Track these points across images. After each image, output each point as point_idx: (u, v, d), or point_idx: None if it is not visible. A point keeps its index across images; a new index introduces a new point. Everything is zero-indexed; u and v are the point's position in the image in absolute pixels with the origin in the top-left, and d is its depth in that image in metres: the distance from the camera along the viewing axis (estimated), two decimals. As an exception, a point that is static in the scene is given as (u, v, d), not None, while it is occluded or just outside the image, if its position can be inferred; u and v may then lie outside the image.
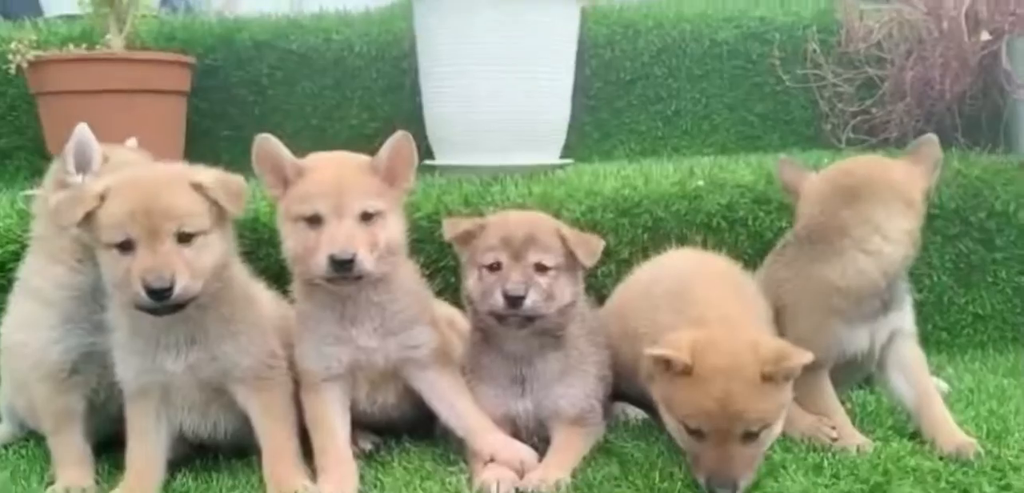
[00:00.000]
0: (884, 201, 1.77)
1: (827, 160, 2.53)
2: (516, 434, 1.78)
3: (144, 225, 1.50)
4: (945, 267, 2.46)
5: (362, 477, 1.67)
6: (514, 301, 1.62)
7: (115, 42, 2.39)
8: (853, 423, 1.84)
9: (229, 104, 3.03)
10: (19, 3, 3.73)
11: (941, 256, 2.47)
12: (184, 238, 1.54)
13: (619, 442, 1.85)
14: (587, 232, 2.21)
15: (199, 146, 2.93)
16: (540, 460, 1.68)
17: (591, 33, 3.08)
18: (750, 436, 1.52)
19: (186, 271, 1.51)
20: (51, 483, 1.71)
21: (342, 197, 1.62)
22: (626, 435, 1.89)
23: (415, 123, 2.62)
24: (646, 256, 2.28)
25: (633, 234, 2.30)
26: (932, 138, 1.83)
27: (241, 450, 1.76)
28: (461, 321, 2.00)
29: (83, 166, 1.74)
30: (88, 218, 1.53)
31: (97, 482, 1.72)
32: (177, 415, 1.70)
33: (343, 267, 1.58)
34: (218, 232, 1.61)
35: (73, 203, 1.53)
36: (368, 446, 1.86)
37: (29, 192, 2.39)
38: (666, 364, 1.54)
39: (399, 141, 1.73)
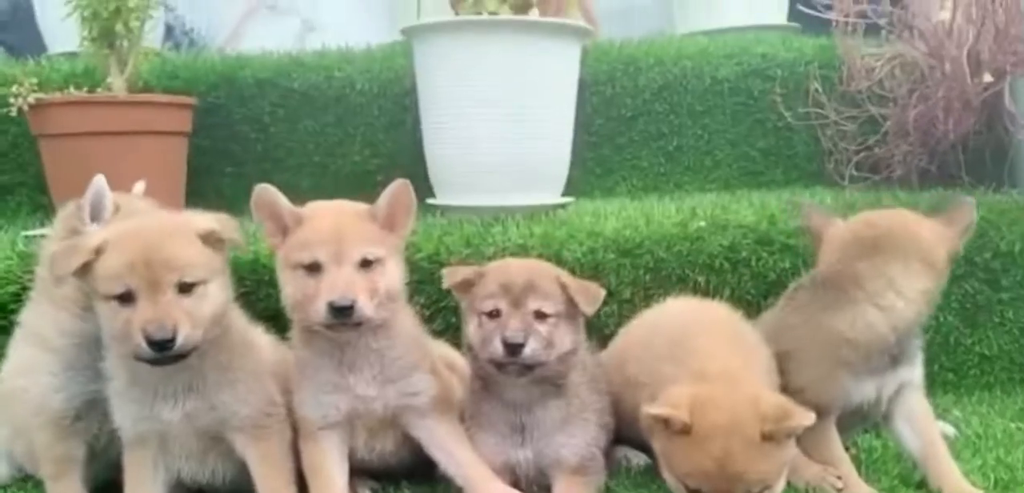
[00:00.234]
0: (903, 257, 1.73)
1: (830, 198, 2.54)
2: (516, 483, 1.76)
3: (144, 276, 1.49)
4: (951, 308, 2.43)
5: (360, 524, 1.64)
6: (513, 349, 1.61)
7: (116, 83, 2.39)
8: (858, 470, 1.82)
9: (231, 141, 3.04)
10: (23, 40, 3.75)
11: (947, 297, 2.42)
12: (185, 288, 1.53)
13: (620, 490, 1.83)
14: (589, 273, 2.23)
15: (201, 184, 2.94)
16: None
17: (592, 70, 3.08)
18: None
19: (187, 321, 1.51)
20: None
21: (341, 244, 1.61)
22: (627, 483, 1.87)
23: (417, 160, 2.64)
24: (648, 297, 2.27)
25: (635, 275, 2.28)
26: (968, 202, 1.78)
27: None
28: (461, 363, 1.98)
29: (97, 216, 1.75)
30: (85, 269, 1.52)
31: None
32: (175, 462, 1.69)
33: (342, 314, 1.57)
34: (217, 280, 1.61)
35: (70, 254, 1.52)
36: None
37: (33, 232, 2.40)
38: (665, 421, 1.52)
39: (398, 189, 1.73)
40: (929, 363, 2.10)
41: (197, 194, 2.87)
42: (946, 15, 2.53)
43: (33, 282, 1.92)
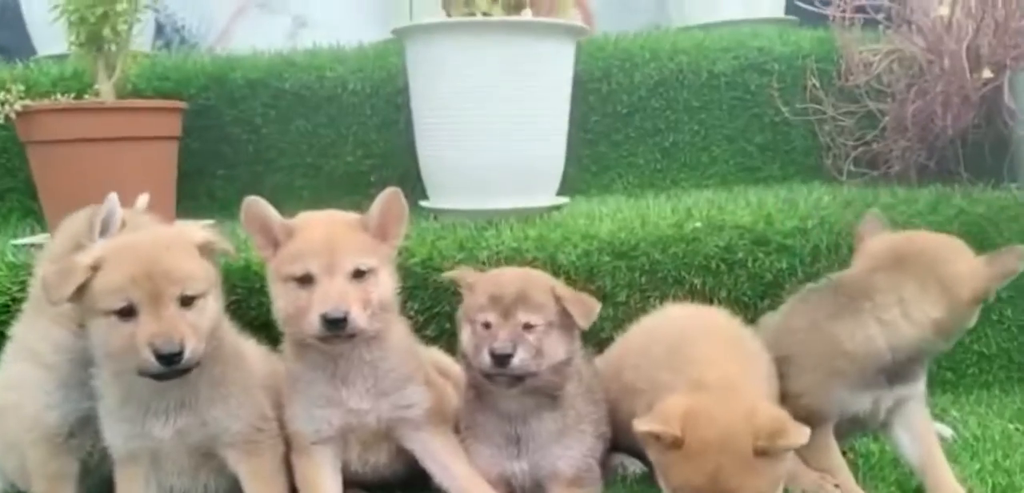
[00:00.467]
0: (922, 279, 1.69)
1: (828, 196, 2.51)
2: (511, 493, 1.76)
3: (147, 290, 1.48)
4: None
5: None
6: (501, 359, 1.60)
7: (104, 88, 2.36)
8: (856, 476, 1.81)
9: (223, 143, 3.01)
10: (12, 40, 3.72)
11: (945, 295, 2.42)
12: (186, 302, 1.53)
13: (617, 499, 1.82)
14: (584, 276, 2.21)
15: (193, 186, 2.91)
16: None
17: (587, 66, 3.05)
18: None
19: (193, 335, 1.51)
20: None
21: (333, 255, 1.60)
22: (623, 491, 1.86)
23: (411, 160, 2.61)
24: (644, 299, 2.26)
25: (630, 278, 2.26)
26: (1018, 250, 1.69)
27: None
28: (456, 370, 1.97)
29: (106, 233, 1.73)
30: (80, 289, 1.50)
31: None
32: (167, 479, 1.68)
33: (336, 326, 1.56)
34: (213, 292, 1.60)
35: (65, 277, 1.50)
36: (360, 507, 1.84)
37: (24, 241, 2.37)
38: (656, 436, 1.50)
39: (389, 197, 1.71)
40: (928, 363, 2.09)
41: (189, 197, 2.84)
42: (945, 10, 2.49)
43: (26, 294, 1.92)
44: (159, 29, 4.15)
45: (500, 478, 1.74)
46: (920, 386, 1.81)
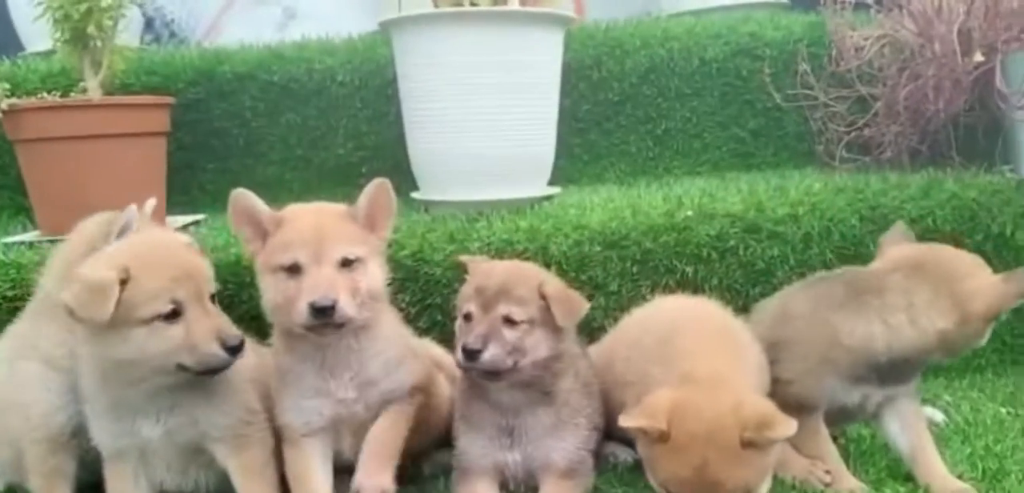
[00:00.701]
0: (935, 288, 1.69)
1: (819, 183, 2.50)
2: (504, 484, 1.76)
3: (191, 290, 1.52)
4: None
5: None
6: (470, 354, 1.60)
7: (91, 85, 2.34)
8: (846, 461, 1.82)
9: (212, 137, 2.99)
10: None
11: (937, 279, 2.42)
12: (213, 298, 1.59)
13: (608, 488, 1.83)
14: (575, 266, 2.21)
15: (184, 180, 2.91)
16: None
17: (577, 54, 3.03)
18: None
19: (229, 326, 1.57)
20: None
21: (321, 245, 1.60)
22: (615, 480, 1.87)
23: (403, 152, 2.61)
24: (635, 289, 2.26)
25: (622, 267, 2.26)
26: None
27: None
28: (449, 361, 1.97)
29: (122, 237, 1.74)
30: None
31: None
32: (156, 474, 1.68)
33: (324, 314, 1.56)
34: None
35: (95, 295, 1.46)
36: (350, 498, 1.83)
37: (15, 240, 2.36)
38: (643, 430, 1.50)
39: (376, 188, 1.71)
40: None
41: (180, 191, 2.84)
42: (936, -7, 2.48)
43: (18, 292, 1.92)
44: (148, 24, 4.12)
45: (493, 467, 1.74)
46: (911, 387, 1.81)
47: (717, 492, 1.45)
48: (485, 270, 1.74)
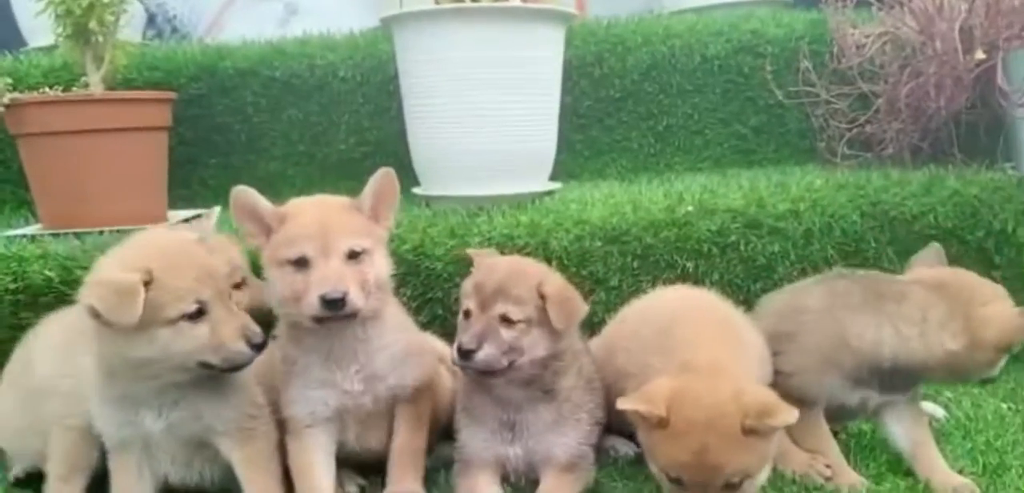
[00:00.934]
0: (951, 309, 1.70)
1: (820, 180, 2.50)
2: (505, 477, 1.77)
3: (214, 288, 1.53)
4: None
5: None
6: (465, 354, 1.61)
7: (93, 80, 2.35)
8: (847, 456, 1.82)
9: (214, 133, 3.00)
10: (2, 36, 3.69)
11: (938, 275, 2.42)
12: (237, 287, 1.63)
13: (609, 482, 1.83)
14: (576, 261, 2.21)
15: (186, 176, 2.92)
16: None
17: (579, 51, 3.04)
18: (731, 487, 1.47)
19: (251, 321, 1.59)
20: None
21: (327, 237, 1.61)
22: (615, 474, 1.87)
23: (405, 147, 2.61)
24: (636, 284, 2.26)
25: (622, 262, 2.26)
26: None
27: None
28: (449, 355, 1.96)
29: None
30: None
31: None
32: (161, 467, 1.68)
33: (335, 306, 1.57)
34: None
35: (122, 297, 1.45)
36: (353, 489, 1.84)
37: (16, 233, 2.36)
38: (642, 416, 1.50)
39: (382, 178, 1.72)
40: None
41: (182, 186, 2.85)
42: (937, -10, 2.48)
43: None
44: (150, 19, 4.13)
45: (495, 460, 1.75)
46: (909, 396, 1.80)
47: (716, 477, 1.45)
48: (486, 267, 1.74)
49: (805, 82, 3.02)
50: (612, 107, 3.14)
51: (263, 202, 1.67)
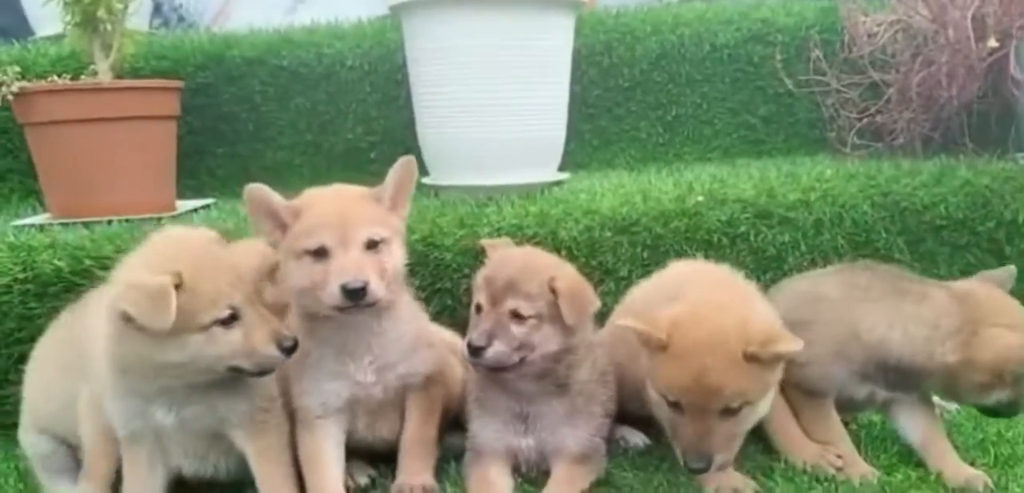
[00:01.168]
0: (962, 322, 1.66)
1: (830, 169, 2.49)
2: (517, 468, 1.76)
3: (246, 292, 1.52)
4: (953, 277, 2.38)
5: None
6: (475, 351, 1.60)
7: (101, 68, 2.34)
8: (858, 447, 1.80)
9: (222, 122, 2.99)
10: (10, 24, 3.69)
11: (949, 266, 2.41)
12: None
13: (619, 473, 1.81)
14: (586, 251, 2.20)
15: (194, 165, 2.91)
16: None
17: (588, 41, 3.02)
18: (729, 412, 1.48)
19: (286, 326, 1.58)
20: None
21: (346, 227, 1.60)
22: (626, 464, 1.86)
23: (411, 136, 2.61)
24: (646, 274, 2.24)
25: (632, 252, 2.25)
26: None
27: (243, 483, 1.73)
28: (460, 344, 1.96)
29: None
30: None
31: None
32: (174, 459, 1.67)
33: (356, 295, 1.56)
34: None
35: (156, 302, 1.42)
36: (364, 480, 1.83)
37: (25, 222, 2.37)
38: (645, 338, 1.50)
39: (403, 168, 1.73)
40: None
41: (190, 175, 2.84)
42: (950, -22, 2.46)
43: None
44: (157, 8, 4.12)
45: (506, 451, 1.74)
46: (916, 395, 1.78)
47: (715, 401, 1.45)
48: (498, 260, 1.73)
49: (815, 71, 3.01)
50: (621, 96, 3.13)
51: (277, 198, 1.65)
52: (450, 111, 2.34)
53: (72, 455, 1.85)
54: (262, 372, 1.57)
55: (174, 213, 2.44)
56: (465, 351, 1.63)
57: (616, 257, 2.24)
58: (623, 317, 1.86)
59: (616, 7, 3.24)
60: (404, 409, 1.78)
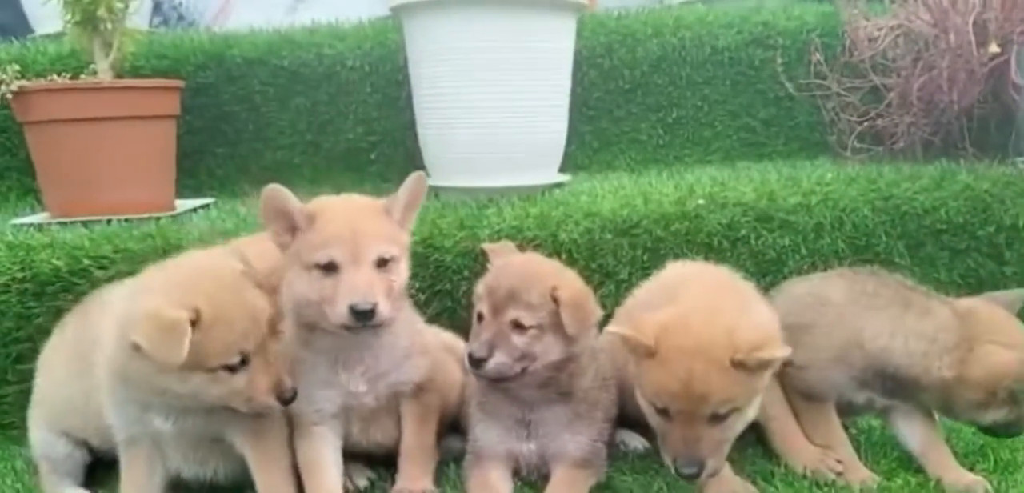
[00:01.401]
0: (960, 339, 1.66)
1: (831, 173, 2.49)
2: (517, 471, 1.76)
3: (257, 338, 1.51)
4: (953, 282, 2.40)
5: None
6: (476, 362, 1.58)
7: (101, 67, 2.34)
8: (858, 452, 1.81)
9: (222, 122, 2.99)
10: (10, 22, 3.68)
11: (949, 271, 2.41)
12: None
13: (619, 477, 1.81)
14: (586, 253, 2.20)
15: (194, 165, 2.91)
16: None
17: (589, 42, 3.02)
18: (717, 418, 1.47)
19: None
20: None
21: (358, 243, 1.58)
22: (625, 468, 1.86)
23: (412, 137, 2.61)
24: (646, 277, 2.23)
25: (632, 255, 2.25)
26: None
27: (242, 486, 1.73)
28: (460, 347, 1.96)
29: None
30: None
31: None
32: (173, 463, 1.67)
33: (364, 317, 1.54)
34: None
35: (168, 336, 1.40)
36: (362, 482, 1.83)
37: (23, 221, 2.36)
38: (631, 344, 1.50)
39: (416, 182, 1.70)
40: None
41: (190, 175, 2.84)
42: (951, -18, 2.46)
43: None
44: (157, 7, 4.11)
45: (508, 455, 1.74)
46: (913, 404, 1.78)
47: (702, 407, 1.44)
48: (499, 268, 1.72)
49: (816, 75, 3.01)
50: (621, 99, 3.12)
51: (294, 201, 1.61)
52: (451, 112, 2.33)
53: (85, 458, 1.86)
54: (256, 414, 1.56)
55: (173, 213, 2.43)
56: (466, 362, 1.62)
57: (616, 259, 2.24)
58: (623, 320, 1.88)
59: (617, 9, 3.23)
60: (398, 414, 1.77)
